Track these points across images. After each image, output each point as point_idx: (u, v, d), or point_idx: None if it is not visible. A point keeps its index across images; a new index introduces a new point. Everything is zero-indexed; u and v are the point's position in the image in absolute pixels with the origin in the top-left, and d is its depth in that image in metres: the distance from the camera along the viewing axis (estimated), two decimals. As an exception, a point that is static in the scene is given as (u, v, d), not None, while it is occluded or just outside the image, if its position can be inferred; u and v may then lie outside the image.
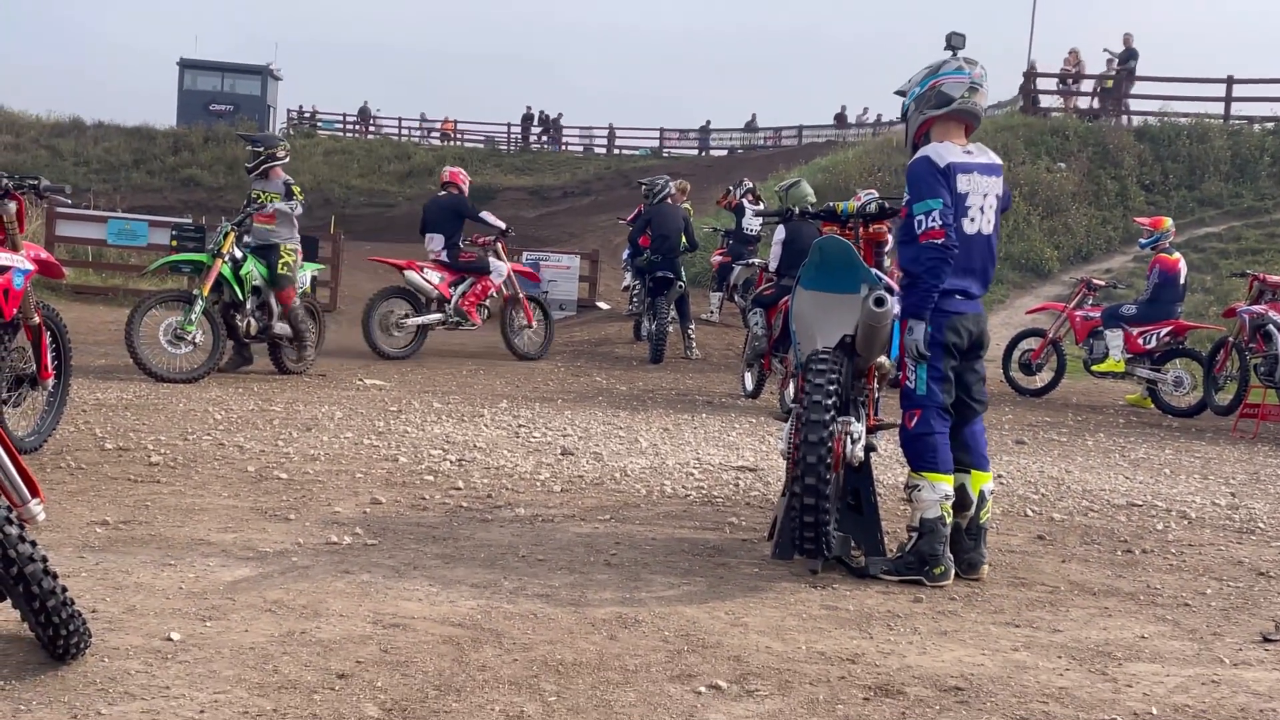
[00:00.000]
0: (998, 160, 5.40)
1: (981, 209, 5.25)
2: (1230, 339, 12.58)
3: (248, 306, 10.94)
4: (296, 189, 11.46)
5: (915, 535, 5.20)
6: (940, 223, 5.06)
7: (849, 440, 5.23)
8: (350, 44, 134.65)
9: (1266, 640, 4.52)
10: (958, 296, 5.24)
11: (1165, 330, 13.00)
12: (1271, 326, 11.79)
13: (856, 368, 5.39)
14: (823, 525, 4.96)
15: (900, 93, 5.51)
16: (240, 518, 5.59)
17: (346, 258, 20.43)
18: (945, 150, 5.22)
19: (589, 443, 8.33)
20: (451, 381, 11.96)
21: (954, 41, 5.36)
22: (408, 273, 13.84)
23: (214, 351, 10.54)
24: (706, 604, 4.59)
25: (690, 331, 15.51)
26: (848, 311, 5.32)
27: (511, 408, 10.02)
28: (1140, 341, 13.04)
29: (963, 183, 5.20)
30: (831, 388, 5.02)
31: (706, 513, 6.31)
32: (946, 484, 5.20)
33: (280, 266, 11.17)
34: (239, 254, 10.86)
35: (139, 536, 5.12)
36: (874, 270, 5.69)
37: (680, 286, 14.97)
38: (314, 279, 13.09)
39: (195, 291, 10.56)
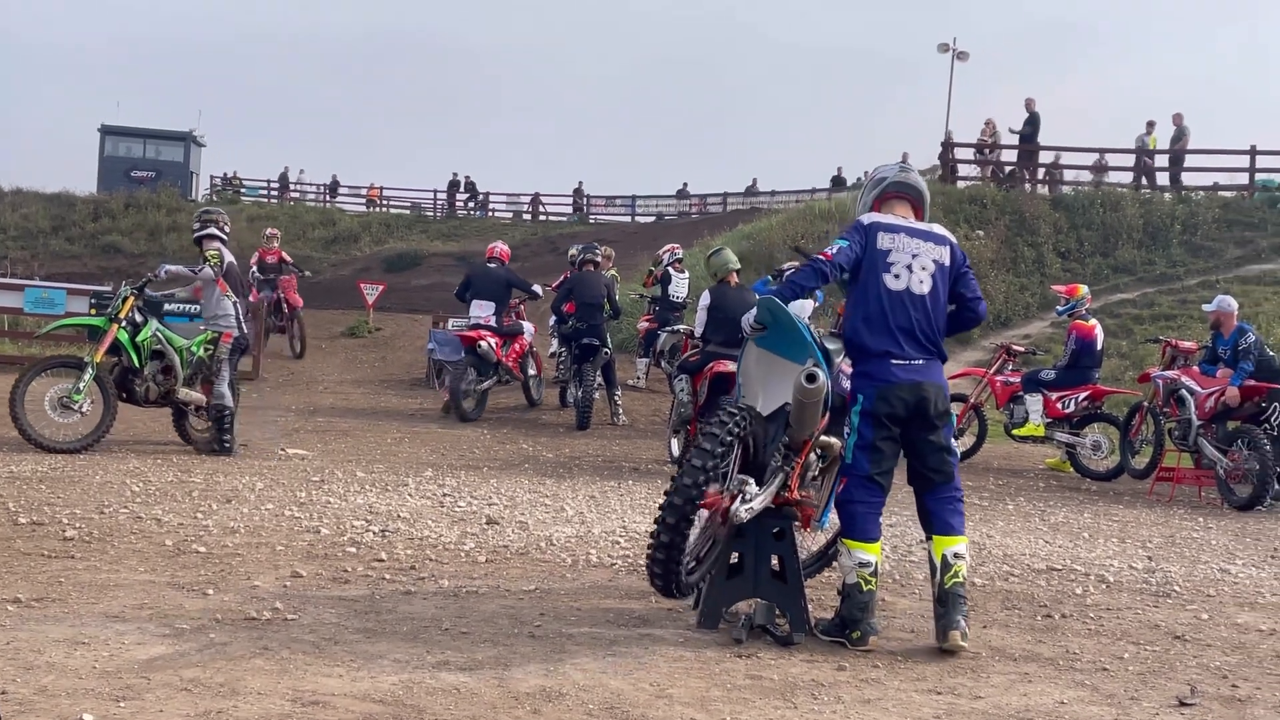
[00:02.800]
0: (942, 231, 5.55)
1: (909, 268, 5.37)
2: (1145, 404, 12.87)
3: (146, 372, 10.65)
4: (210, 254, 10.96)
5: (839, 600, 5.29)
6: (834, 251, 5.37)
7: (739, 500, 5.22)
8: (275, 109, 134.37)
9: (1182, 704, 4.58)
10: (893, 362, 5.28)
11: (1083, 395, 13.26)
12: (1184, 391, 12.07)
13: (791, 438, 5.41)
14: (672, 564, 5.03)
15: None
16: (157, 593, 5.48)
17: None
18: (875, 214, 5.51)
19: (514, 511, 8.29)
20: (376, 450, 11.86)
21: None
22: (481, 344, 14.70)
23: (103, 420, 10.26)
24: (631, 675, 4.57)
25: (616, 397, 15.53)
26: (789, 378, 5.30)
27: (437, 476, 9.95)
28: (1059, 406, 13.28)
29: (885, 240, 5.37)
30: (723, 438, 5.02)
31: (632, 582, 6.29)
32: (865, 552, 5.24)
33: (204, 356, 10.83)
34: (139, 318, 10.65)
35: (52, 614, 5.01)
36: (826, 346, 5.61)
37: (606, 353, 15.02)
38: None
39: (86, 358, 10.36)
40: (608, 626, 5.32)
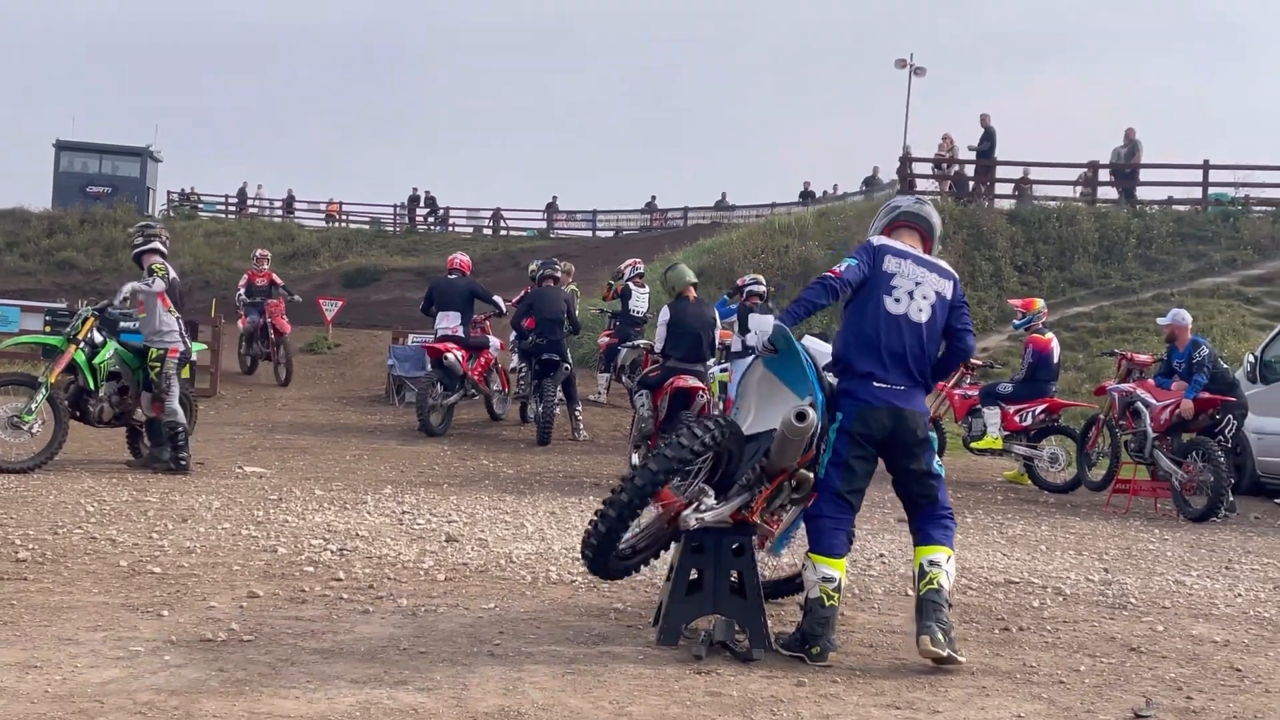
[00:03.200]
0: (948, 267, 5.63)
1: (911, 294, 5.44)
2: (1101, 416, 12.98)
3: (101, 393, 10.53)
4: (156, 266, 10.70)
5: (802, 614, 5.32)
6: (842, 268, 5.43)
7: (692, 507, 5.25)
8: (234, 124, 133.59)
9: (1138, 716, 4.62)
10: (875, 384, 5.33)
11: (1040, 408, 13.37)
12: (1139, 404, 12.19)
13: (768, 465, 5.38)
14: (609, 542, 5.12)
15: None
16: (111, 615, 5.42)
17: (227, 341, 20.14)
18: (885, 238, 5.60)
19: (474, 528, 8.26)
20: (335, 467, 11.79)
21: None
22: (447, 356, 14.78)
23: (54, 440, 10.10)
24: (590, 694, 4.56)
25: (577, 413, 15.52)
26: (785, 406, 5.28)
27: (396, 493, 9.90)
28: (1017, 419, 13.38)
29: (891, 264, 5.47)
30: (702, 440, 5.06)
31: (592, 599, 6.28)
32: (829, 567, 5.28)
33: (150, 373, 10.65)
34: (98, 339, 10.53)
35: (3, 637, 4.94)
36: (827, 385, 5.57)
37: (566, 368, 15.00)
38: (193, 364, 12.79)
39: (41, 377, 10.24)
40: (567, 644, 5.30)
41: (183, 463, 10.56)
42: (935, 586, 5.29)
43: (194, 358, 11.80)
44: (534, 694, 4.52)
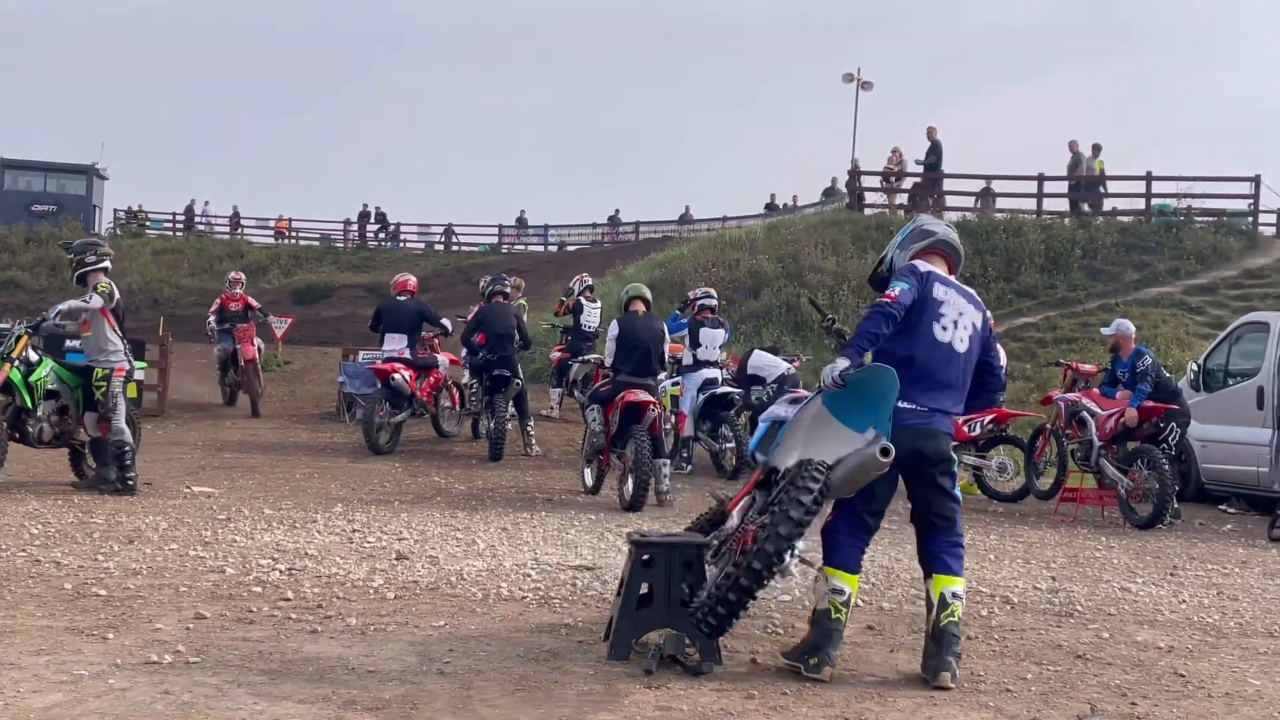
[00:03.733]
0: (977, 296, 5.62)
1: (956, 324, 5.43)
2: (1048, 426, 13.13)
3: (40, 412, 10.38)
4: (101, 285, 10.48)
5: (809, 625, 5.37)
6: (897, 292, 5.30)
7: (794, 551, 5.17)
8: (182, 140, 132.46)
9: (1082, 723, 4.68)
10: (902, 405, 5.25)
11: (988, 418, 13.46)
12: (1085, 413, 12.33)
13: (833, 490, 5.26)
14: (738, 612, 5.05)
15: (880, 262, 5.75)
16: (55, 639, 5.36)
17: (176, 360, 19.95)
18: (929, 264, 5.51)
19: (425, 546, 8.23)
20: (285, 485, 11.70)
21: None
22: (394, 377, 14.74)
23: None
24: (540, 710, 4.56)
25: (529, 428, 15.50)
26: (840, 442, 5.20)
27: (346, 511, 9.84)
28: (965, 429, 13.47)
29: (939, 292, 5.43)
30: (812, 501, 5.00)
31: (543, 615, 6.28)
32: (841, 580, 5.29)
33: (96, 393, 10.46)
34: (33, 357, 10.38)
35: (-57, 663, 4.87)
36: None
37: (517, 384, 14.98)
38: (140, 383, 12.65)
39: None
40: (518, 661, 5.29)
41: (130, 483, 10.44)
42: (956, 619, 5.30)
43: (140, 376, 11.63)
44: (484, 711, 4.51)
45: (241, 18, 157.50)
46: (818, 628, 5.27)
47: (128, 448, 10.50)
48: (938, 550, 5.43)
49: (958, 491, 5.55)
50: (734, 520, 5.50)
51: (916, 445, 5.31)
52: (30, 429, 10.42)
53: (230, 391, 19.40)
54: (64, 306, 10.45)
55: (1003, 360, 5.67)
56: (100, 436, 10.60)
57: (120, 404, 10.54)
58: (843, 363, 5.20)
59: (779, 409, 5.84)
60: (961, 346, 5.43)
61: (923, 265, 5.50)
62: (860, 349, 5.28)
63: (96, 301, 10.43)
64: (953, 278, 5.61)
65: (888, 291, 5.36)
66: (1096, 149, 27.76)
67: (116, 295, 10.72)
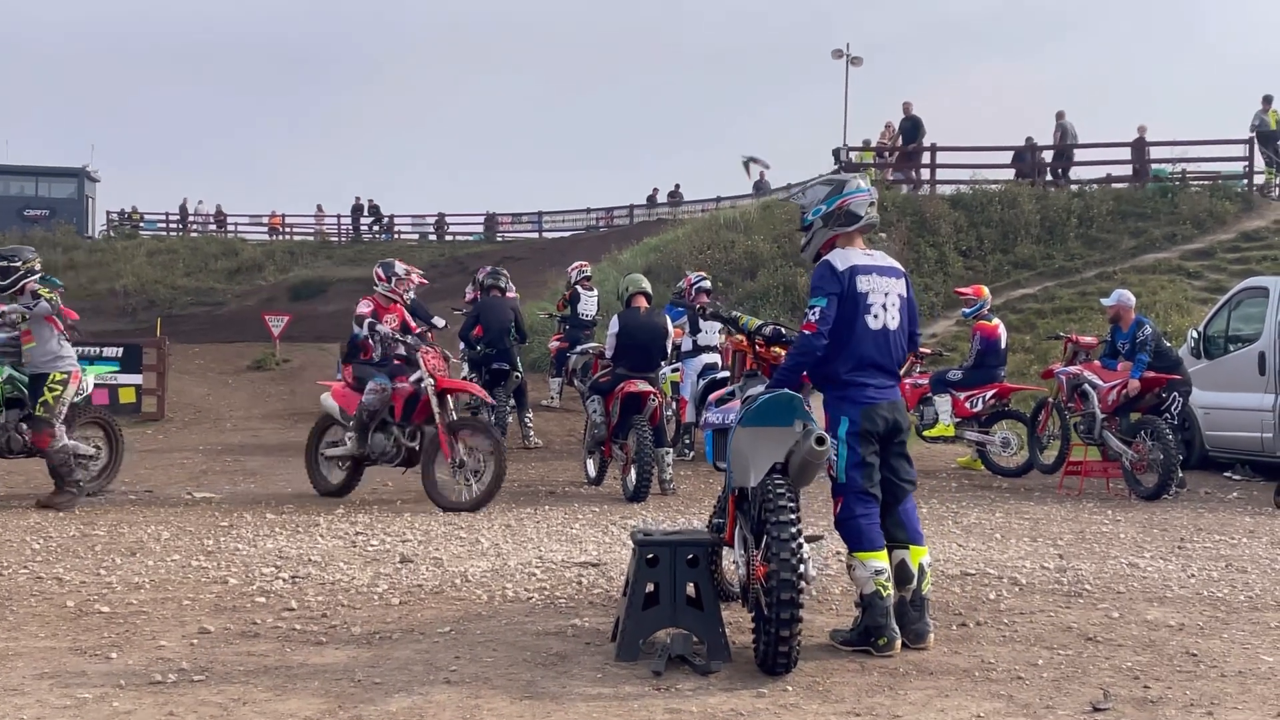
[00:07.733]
0: (898, 265, 5.82)
1: (884, 306, 5.66)
2: (1050, 399, 13.08)
3: (3, 420, 10.11)
4: (42, 291, 10.06)
5: (860, 610, 5.51)
6: (817, 318, 5.54)
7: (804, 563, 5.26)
8: (171, 141, 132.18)
9: (1096, 710, 4.64)
10: (870, 387, 5.61)
11: (990, 393, 13.45)
12: (1087, 386, 12.28)
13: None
14: (797, 636, 5.04)
15: (802, 208, 5.90)
16: (58, 660, 5.31)
17: (174, 361, 19.89)
18: (848, 255, 5.69)
19: (429, 547, 8.18)
20: (287, 488, 11.65)
21: (842, 156, 5.70)
22: None
23: None
24: (548, 718, 4.52)
25: (528, 420, 15.47)
26: (777, 442, 5.34)
27: (349, 513, 9.79)
28: (967, 405, 13.46)
29: (863, 283, 5.63)
30: (795, 521, 5.06)
31: (549, 616, 6.23)
32: (877, 560, 5.50)
33: (38, 406, 10.08)
34: None
35: (-55, 691, 4.83)
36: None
37: (517, 376, 14.94)
38: (138, 388, 12.54)
39: None
40: (525, 666, 5.25)
41: (80, 484, 10.24)
42: (930, 585, 5.73)
43: (138, 380, 11.36)
44: (492, 721, 4.47)
45: (218, 15, 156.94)
46: (873, 610, 5.44)
47: (78, 455, 10.32)
48: (907, 519, 5.71)
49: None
50: (738, 551, 5.54)
51: (894, 418, 5.68)
52: None
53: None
54: (7, 308, 9.94)
55: (917, 323, 5.98)
56: (42, 450, 10.15)
57: (64, 410, 10.22)
58: (758, 388, 5.65)
59: (712, 416, 6.03)
60: (894, 324, 5.71)
61: (840, 262, 5.65)
62: (787, 383, 5.55)
63: (43, 307, 10.03)
64: (870, 252, 5.78)
65: (808, 320, 5.61)
66: (1268, 100, 25.73)
67: (58, 301, 10.34)
